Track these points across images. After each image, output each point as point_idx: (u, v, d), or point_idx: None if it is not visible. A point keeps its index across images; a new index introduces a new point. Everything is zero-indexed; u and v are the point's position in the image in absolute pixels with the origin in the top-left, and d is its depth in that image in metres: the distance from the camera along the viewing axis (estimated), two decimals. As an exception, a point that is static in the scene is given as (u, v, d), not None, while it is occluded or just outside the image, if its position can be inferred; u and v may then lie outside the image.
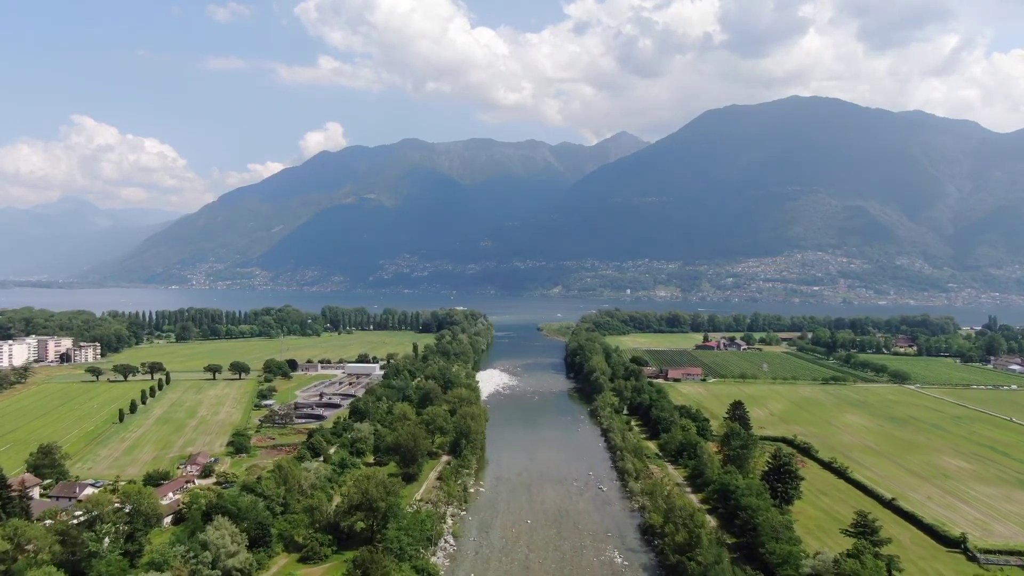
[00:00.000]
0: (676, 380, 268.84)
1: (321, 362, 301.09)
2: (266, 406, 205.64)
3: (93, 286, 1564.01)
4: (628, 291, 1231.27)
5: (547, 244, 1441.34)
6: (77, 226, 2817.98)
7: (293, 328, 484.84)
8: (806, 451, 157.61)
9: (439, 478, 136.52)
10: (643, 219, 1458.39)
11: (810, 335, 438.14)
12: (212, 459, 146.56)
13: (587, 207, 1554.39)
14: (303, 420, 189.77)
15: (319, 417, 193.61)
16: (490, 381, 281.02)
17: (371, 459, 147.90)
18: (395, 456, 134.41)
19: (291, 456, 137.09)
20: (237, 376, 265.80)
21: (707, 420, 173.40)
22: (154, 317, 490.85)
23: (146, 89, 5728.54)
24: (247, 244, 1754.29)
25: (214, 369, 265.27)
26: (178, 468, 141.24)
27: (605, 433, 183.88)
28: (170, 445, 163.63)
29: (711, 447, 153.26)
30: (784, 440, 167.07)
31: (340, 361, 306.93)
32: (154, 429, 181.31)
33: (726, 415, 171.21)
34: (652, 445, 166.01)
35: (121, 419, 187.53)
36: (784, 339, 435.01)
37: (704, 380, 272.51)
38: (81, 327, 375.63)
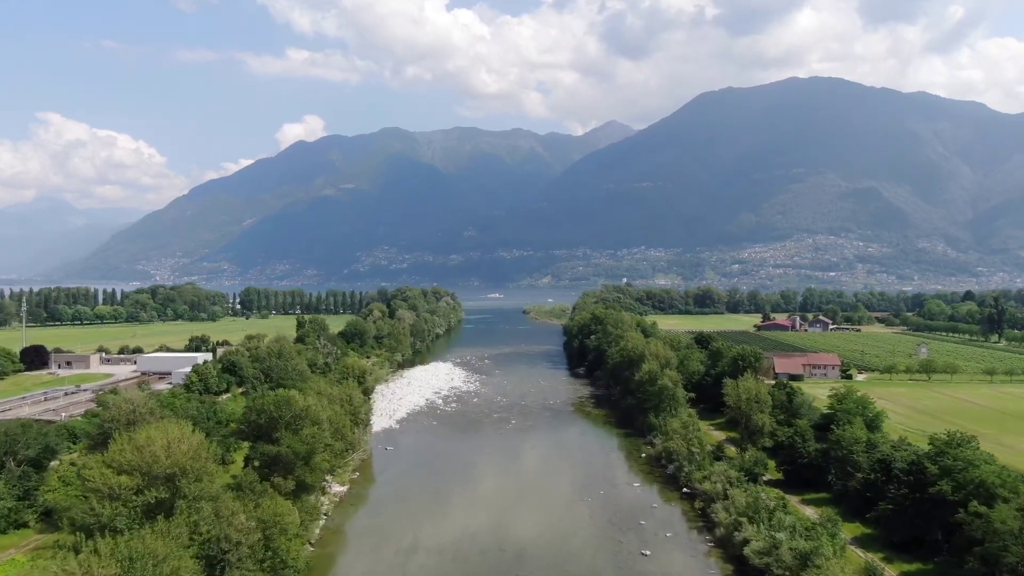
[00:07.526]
0: (793, 377, 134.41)
1: (114, 354, 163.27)
2: None
3: (49, 284, 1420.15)
4: (624, 280, 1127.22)
5: (535, 233, 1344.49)
6: (52, 225, 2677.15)
7: (181, 311, 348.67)
8: None
9: None
10: (638, 205, 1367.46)
11: (911, 313, 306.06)
12: None
13: (577, 195, 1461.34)
14: None
15: None
16: (425, 383, 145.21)
17: None
18: None
19: None
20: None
21: None
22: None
23: (115, 83, 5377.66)
24: (216, 238, 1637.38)
25: None
26: None
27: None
28: None
29: None
30: None
31: (158, 350, 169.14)
32: None
33: None
34: None
35: None
36: (877, 318, 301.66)
37: (848, 376, 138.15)
38: None
